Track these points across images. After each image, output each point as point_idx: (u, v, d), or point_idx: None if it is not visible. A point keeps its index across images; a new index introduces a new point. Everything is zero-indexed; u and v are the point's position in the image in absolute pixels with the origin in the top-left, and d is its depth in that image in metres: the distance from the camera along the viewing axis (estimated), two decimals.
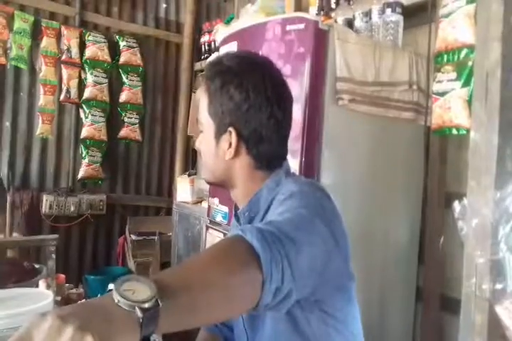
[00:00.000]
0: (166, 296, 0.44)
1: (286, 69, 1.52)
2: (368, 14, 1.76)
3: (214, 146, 0.91)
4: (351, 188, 1.54)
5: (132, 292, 0.42)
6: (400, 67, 1.65)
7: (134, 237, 2.92)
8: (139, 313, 0.41)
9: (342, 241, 0.78)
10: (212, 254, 0.58)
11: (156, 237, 2.90)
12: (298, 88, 1.48)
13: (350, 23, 1.81)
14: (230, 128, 0.87)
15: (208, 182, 1.01)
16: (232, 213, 1.03)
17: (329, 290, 0.80)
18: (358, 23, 1.77)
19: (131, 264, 2.84)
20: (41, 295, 0.55)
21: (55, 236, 1.33)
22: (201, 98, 0.93)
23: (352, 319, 0.88)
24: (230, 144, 0.88)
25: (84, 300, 1.12)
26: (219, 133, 0.89)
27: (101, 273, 2.77)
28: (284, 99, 0.91)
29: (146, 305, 0.41)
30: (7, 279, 1.23)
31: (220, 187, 0.99)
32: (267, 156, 0.91)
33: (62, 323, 0.36)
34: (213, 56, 2.81)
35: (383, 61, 1.61)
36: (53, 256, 1.32)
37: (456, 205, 1.13)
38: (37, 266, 1.53)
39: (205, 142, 0.93)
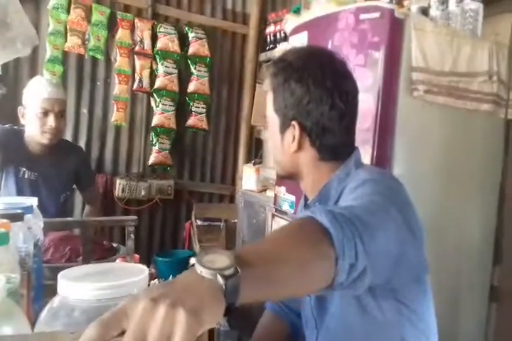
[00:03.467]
0: (244, 266, 0.46)
1: (359, 59, 1.51)
2: (444, 2, 1.70)
3: (280, 140, 0.95)
4: (424, 181, 1.51)
5: (212, 263, 0.45)
6: (479, 57, 1.59)
7: (199, 222, 3.01)
8: (221, 281, 0.43)
9: (417, 231, 0.77)
10: (285, 232, 0.60)
11: (221, 223, 2.98)
12: (371, 78, 1.47)
13: (424, 12, 1.75)
14: (293, 122, 0.91)
15: (279, 176, 1.07)
16: (300, 202, 1.05)
17: (405, 281, 0.80)
18: (434, 11, 1.71)
19: (196, 248, 2.94)
20: (137, 269, 0.59)
21: (135, 217, 1.40)
22: (268, 94, 0.98)
23: (427, 312, 0.87)
24: (294, 137, 0.92)
25: (156, 279, 1.18)
26: (283, 128, 0.94)
27: (168, 255, 2.90)
28: (346, 89, 0.92)
29: (227, 273, 0.44)
30: (91, 256, 1.30)
31: (291, 179, 1.03)
32: (331, 147, 0.93)
33: (155, 304, 0.38)
34: (280, 46, 2.82)
35: (461, 51, 1.56)
36: (132, 236, 1.38)
37: None
38: (114, 244, 1.63)
39: (272, 137, 0.98)
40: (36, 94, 1.85)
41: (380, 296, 0.81)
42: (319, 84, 0.89)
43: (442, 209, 1.54)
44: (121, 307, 0.40)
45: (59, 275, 0.54)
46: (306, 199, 1.03)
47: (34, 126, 1.86)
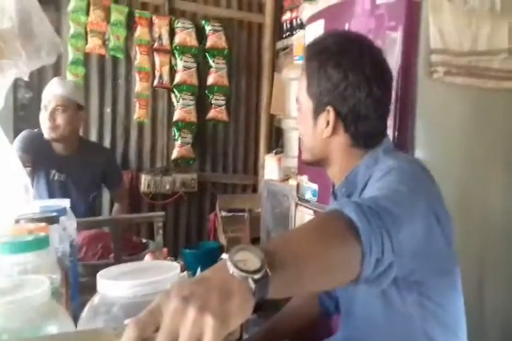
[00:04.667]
0: (273, 267, 0.47)
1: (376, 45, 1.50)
2: None
3: (312, 125, 0.94)
4: (446, 164, 1.49)
5: (244, 263, 0.45)
6: (498, 34, 1.55)
7: (224, 213, 3.05)
8: (252, 283, 0.44)
9: (445, 222, 0.76)
10: (313, 228, 0.60)
11: (245, 214, 3.01)
12: (389, 63, 1.44)
13: None
14: (328, 107, 0.89)
15: (306, 162, 1.03)
16: (324, 190, 1.05)
17: (430, 273, 0.79)
18: None
19: (222, 239, 2.98)
20: (170, 265, 0.62)
21: (162, 213, 1.43)
22: (301, 78, 0.95)
23: (455, 306, 0.86)
24: (328, 123, 0.90)
25: (185, 272, 1.21)
26: (317, 113, 0.92)
27: (195, 247, 2.96)
28: (383, 76, 0.91)
29: (258, 276, 0.45)
30: (122, 252, 1.33)
31: (318, 166, 1.01)
32: (365, 134, 0.92)
33: (185, 305, 0.40)
34: (296, 34, 2.79)
35: (480, 29, 1.52)
36: (161, 231, 1.40)
37: None
38: (143, 240, 1.66)
39: (303, 121, 0.96)
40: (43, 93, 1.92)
41: (403, 289, 0.80)
42: (358, 70, 0.87)
43: (466, 191, 1.52)
44: (155, 305, 0.42)
45: (98, 275, 0.57)
46: (333, 188, 1.01)
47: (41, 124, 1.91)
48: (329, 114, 0.90)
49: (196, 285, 0.43)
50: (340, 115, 0.90)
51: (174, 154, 3.10)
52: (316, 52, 0.91)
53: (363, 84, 0.87)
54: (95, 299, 0.57)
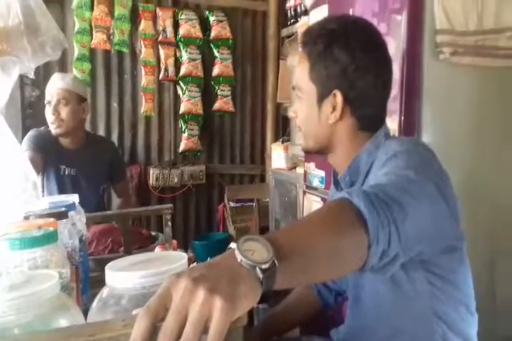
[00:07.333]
0: (281, 258, 0.47)
1: (381, 28, 1.47)
2: None
3: (316, 111, 0.91)
4: (455, 147, 1.47)
5: (252, 252, 0.46)
6: (505, 12, 1.52)
7: (232, 204, 3.06)
8: (259, 273, 0.45)
9: (451, 200, 0.75)
10: (321, 217, 0.59)
11: (253, 203, 3.01)
12: (394, 45, 1.43)
13: None
14: (335, 91, 0.87)
15: (306, 151, 1.00)
16: (331, 177, 1.03)
17: (437, 251, 0.78)
18: None
19: (231, 229, 3.00)
20: (177, 256, 0.62)
21: (170, 205, 1.42)
22: (300, 64, 0.92)
23: (464, 280, 0.86)
24: (334, 108, 0.88)
25: (194, 263, 1.21)
26: (322, 98, 0.89)
27: (204, 238, 2.98)
28: (387, 57, 0.90)
29: (265, 266, 0.45)
30: (131, 246, 1.33)
31: (319, 154, 0.99)
32: (371, 117, 0.91)
33: (195, 285, 0.40)
34: (301, 21, 2.76)
35: (486, 7, 1.49)
36: (169, 223, 1.40)
37: None
38: (153, 233, 1.67)
39: (305, 108, 0.93)
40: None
41: (410, 269, 0.80)
42: (366, 51, 0.86)
43: (475, 174, 1.49)
44: (164, 288, 0.42)
45: (106, 267, 0.57)
46: (334, 176, 1.01)
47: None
48: (336, 99, 0.87)
49: (206, 268, 0.44)
50: (347, 99, 0.87)
51: (181, 147, 3.10)
52: (321, 35, 0.88)
53: (372, 66, 0.87)
54: (104, 291, 0.57)
